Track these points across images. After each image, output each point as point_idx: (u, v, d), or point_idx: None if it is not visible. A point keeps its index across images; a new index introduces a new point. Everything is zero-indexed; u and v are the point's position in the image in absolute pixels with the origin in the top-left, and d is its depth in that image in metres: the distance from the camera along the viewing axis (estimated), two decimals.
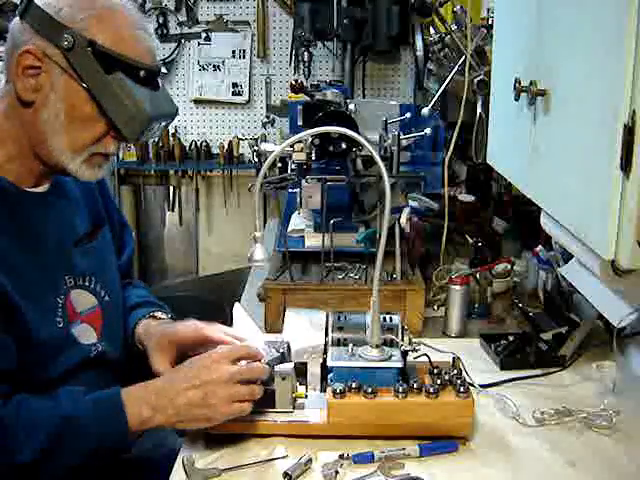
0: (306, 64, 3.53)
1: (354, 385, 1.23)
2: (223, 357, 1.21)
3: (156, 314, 1.46)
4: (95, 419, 1.14)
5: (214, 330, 1.33)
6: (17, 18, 1.18)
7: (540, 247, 1.85)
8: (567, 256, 1.63)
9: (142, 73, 1.18)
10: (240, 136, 3.66)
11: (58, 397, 1.15)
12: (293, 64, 3.57)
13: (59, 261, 1.27)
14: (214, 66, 3.66)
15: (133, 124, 1.18)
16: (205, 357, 1.22)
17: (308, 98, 1.78)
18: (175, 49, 3.65)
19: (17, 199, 1.21)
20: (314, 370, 1.33)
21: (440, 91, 1.95)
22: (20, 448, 1.08)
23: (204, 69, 3.66)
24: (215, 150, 3.68)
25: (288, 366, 1.27)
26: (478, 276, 1.80)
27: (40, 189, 1.26)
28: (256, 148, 1.72)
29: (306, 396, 1.30)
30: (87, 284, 1.32)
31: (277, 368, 1.25)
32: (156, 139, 3.54)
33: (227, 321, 1.49)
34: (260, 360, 1.24)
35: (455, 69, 1.89)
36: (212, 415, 1.17)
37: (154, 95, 1.22)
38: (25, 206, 1.23)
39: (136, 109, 1.17)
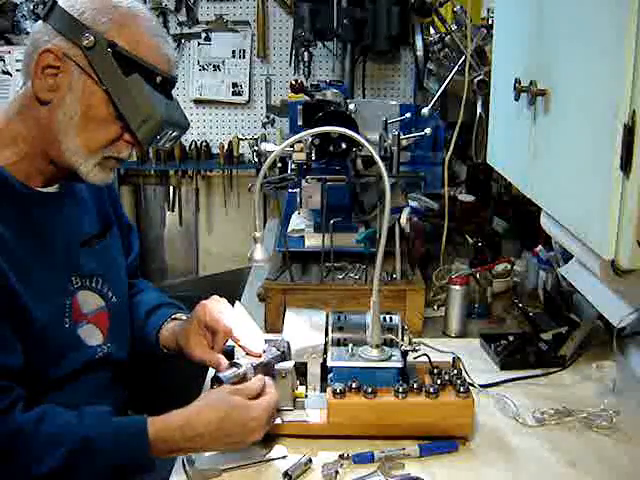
0: (306, 64, 3.52)
1: (354, 385, 1.23)
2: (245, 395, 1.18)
3: (176, 316, 1.45)
4: (115, 444, 1.12)
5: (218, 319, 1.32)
6: (40, 21, 1.19)
7: (540, 247, 1.85)
8: (567, 256, 1.63)
9: (158, 79, 1.20)
10: (240, 136, 3.65)
11: (82, 415, 1.14)
12: (293, 64, 3.57)
13: (66, 262, 1.27)
14: (214, 66, 3.65)
15: (147, 126, 1.18)
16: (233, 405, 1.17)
17: (308, 98, 1.78)
18: (175, 49, 3.61)
19: (26, 198, 1.21)
20: (314, 370, 1.33)
21: (440, 91, 1.95)
22: (38, 460, 1.08)
23: (204, 69, 3.65)
24: (215, 150, 3.67)
25: (288, 364, 1.27)
26: (478, 276, 1.80)
27: (49, 189, 1.26)
28: (256, 148, 1.72)
29: (306, 396, 1.30)
30: (94, 285, 1.32)
31: (277, 366, 1.26)
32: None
33: None
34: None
35: (455, 69, 1.89)
36: (243, 443, 1.17)
37: (168, 103, 1.23)
38: (34, 205, 1.23)
39: (151, 111, 1.17)
